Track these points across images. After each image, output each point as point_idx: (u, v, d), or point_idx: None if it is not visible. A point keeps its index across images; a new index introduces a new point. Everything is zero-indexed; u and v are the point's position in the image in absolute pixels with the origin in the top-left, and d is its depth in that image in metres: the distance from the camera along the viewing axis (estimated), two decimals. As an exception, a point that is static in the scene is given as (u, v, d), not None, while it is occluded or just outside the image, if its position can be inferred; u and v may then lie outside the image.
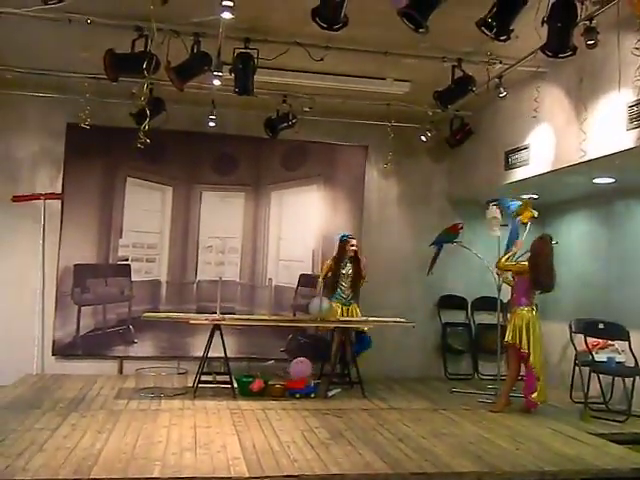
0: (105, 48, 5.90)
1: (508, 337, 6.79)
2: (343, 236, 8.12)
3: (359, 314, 8.03)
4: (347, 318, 7.86)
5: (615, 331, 6.81)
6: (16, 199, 8.24)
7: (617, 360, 7.00)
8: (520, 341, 6.69)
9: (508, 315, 7.11)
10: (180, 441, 5.29)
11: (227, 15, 4.91)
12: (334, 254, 8.11)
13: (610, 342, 7.23)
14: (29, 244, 8.27)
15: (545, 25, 4.69)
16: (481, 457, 5.12)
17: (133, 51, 5.88)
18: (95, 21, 5.76)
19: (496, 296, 7.80)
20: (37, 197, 8.33)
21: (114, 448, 5.01)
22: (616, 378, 7.05)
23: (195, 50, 6.04)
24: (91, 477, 4.31)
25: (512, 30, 4.63)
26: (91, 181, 8.51)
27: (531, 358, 6.68)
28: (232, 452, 5.03)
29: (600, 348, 7.21)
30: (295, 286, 8.95)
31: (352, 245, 7.99)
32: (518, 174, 7.36)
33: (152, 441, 5.26)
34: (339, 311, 7.89)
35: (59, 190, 8.39)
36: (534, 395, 6.72)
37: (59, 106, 7.97)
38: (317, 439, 5.52)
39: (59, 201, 8.38)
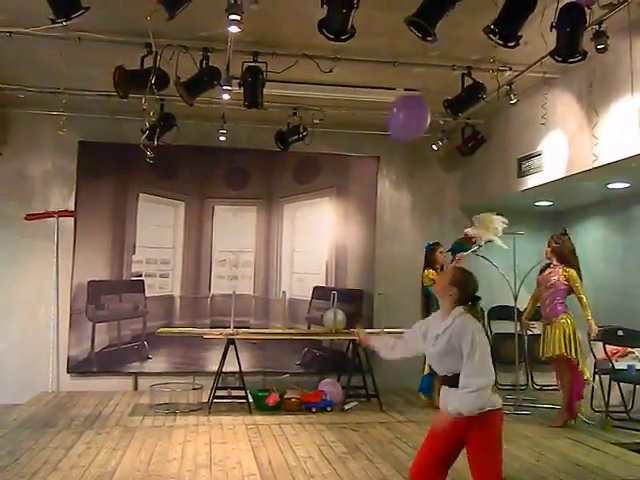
0: (115, 65, 5.93)
1: (560, 350, 6.51)
2: (429, 246, 7.82)
3: None
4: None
5: (635, 338, 6.67)
6: (29, 217, 8.28)
7: (637, 368, 6.86)
8: (569, 351, 6.50)
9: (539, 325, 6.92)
10: (195, 458, 5.25)
11: (234, 29, 4.90)
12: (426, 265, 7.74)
13: (630, 349, 7.11)
14: (43, 262, 8.30)
15: (554, 30, 4.64)
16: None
17: (142, 67, 5.91)
18: (104, 39, 5.81)
19: (512, 305, 7.70)
20: (50, 215, 8.37)
21: (129, 465, 4.98)
22: (637, 386, 6.91)
23: (204, 65, 6.06)
24: (106, 496, 4.30)
25: (521, 36, 4.59)
26: (104, 198, 8.55)
27: (580, 365, 6.51)
28: (248, 468, 4.99)
29: (620, 356, 7.10)
30: (309, 299, 8.91)
31: (441, 252, 7.70)
32: (531, 181, 7.30)
33: (167, 458, 5.23)
34: None
35: (72, 208, 8.44)
36: (578, 402, 6.59)
37: (71, 124, 8.00)
38: (334, 453, 5.46)
39: (72, 219, 8.41)
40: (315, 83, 6.91)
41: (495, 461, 3.39)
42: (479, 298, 3.62)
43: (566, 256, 6.76)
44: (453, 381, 3.37)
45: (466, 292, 3.55)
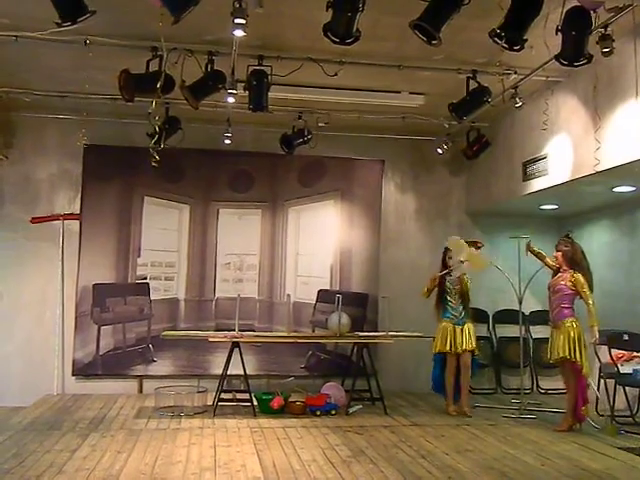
0: (120, 69, 5.95)
1: (564, 352, 6.50)
2: (444, 250, 7.69)
3: (473, 335, 7.40)
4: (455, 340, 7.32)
5: (640, 343, 6.67)
6: (35, 220, 8.31)
7: (643, 372, 6.85)
8: (574, 354, 6.48)
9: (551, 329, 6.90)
10: (200, 461, 5.25)
11: (239, 33, 4.92)
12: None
13: (635, 354, 7.08)
14: (48, 265, 8.32)
15: (559, 34, 4.65)
16: (506, 474, 5.01)
17: (148, 71, 5.93)
18: (110, 42, 5.83)
19: (517, 308, 7.69)
20: (56, 218, 8.39)
21: (134, 468, 4.98)
22: (643, 390, 6.90)
23: (209, 68, 6.08)
24: (110, 498, 4.30)
25: (526, 40, 4.59)
26: (109, 201, 8.55)
27: (584, 370, 6.49)
28: (252, 471, 4.98)
29: (625, 360, 7.07)
30: (314, 302, 8.91)
31: (450, 257, 7.54)
32: (536, 185, 7.28)
33: (172, 461, 5.22)
34: (449, 330, 7.33)
35: (77, 211, 8.45)
36: (584, 408, 6.57)
37: (77, 128, 8.03)
38: (338, 457, 5.45)
39: (78, 222, 8.42)
40: (320, 87, 6.93)
41: None
42: None
43: (576, 260, 6.74)
44: None
45: None
